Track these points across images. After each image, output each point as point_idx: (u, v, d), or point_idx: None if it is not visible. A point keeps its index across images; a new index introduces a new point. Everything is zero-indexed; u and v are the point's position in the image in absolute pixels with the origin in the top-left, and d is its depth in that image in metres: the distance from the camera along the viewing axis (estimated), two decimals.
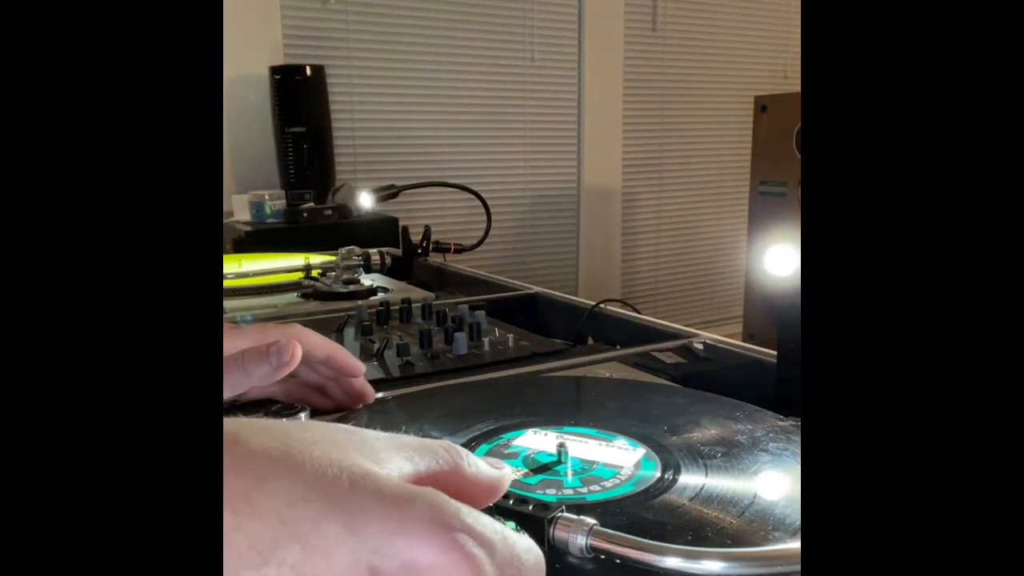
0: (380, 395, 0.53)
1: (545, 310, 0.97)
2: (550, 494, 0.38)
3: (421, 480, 0.26)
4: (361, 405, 0.51)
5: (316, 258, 1.15)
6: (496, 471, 0.29)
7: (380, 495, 0.22)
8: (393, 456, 0.25)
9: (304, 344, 0.47)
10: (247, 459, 0.22)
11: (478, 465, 0.28)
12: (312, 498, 0.21)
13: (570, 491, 0.38)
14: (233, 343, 0.45)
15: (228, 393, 0.45)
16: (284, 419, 0.45)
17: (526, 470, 0.41)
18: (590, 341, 0.86)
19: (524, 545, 0.24)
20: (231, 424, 0.23)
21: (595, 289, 3.03)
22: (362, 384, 0.51)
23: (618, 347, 0.74)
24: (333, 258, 1.13)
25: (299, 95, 2.17)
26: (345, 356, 0.49)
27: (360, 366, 0.50)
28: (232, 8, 2.16)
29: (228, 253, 1.43)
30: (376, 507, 0.22)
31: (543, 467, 0.41)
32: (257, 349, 0.45)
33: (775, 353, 0.57)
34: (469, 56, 2.71)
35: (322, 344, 0.49)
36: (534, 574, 0.24)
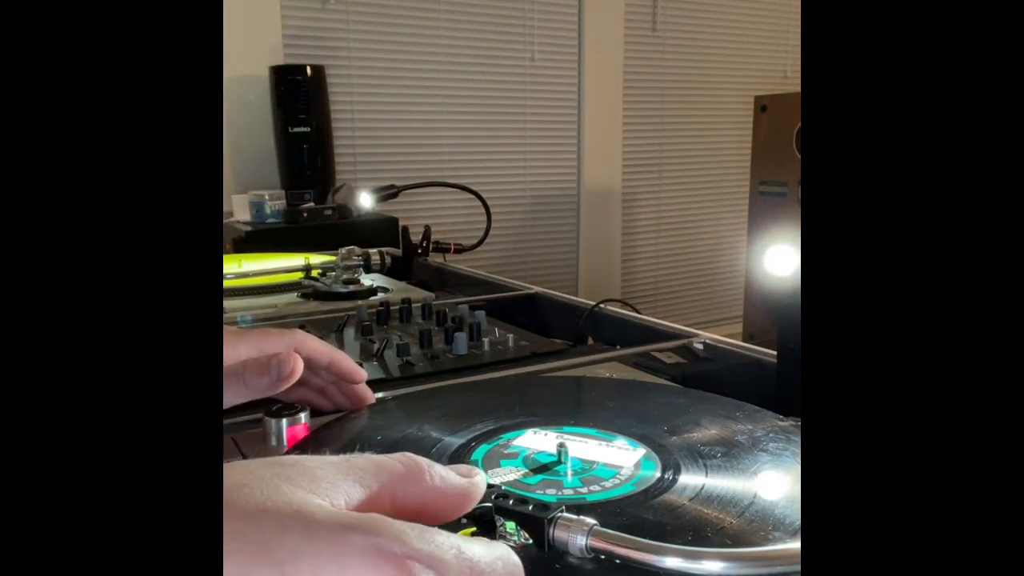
0: (380, 395, 0.53)
1: (545, 310, 0.97)
2: (550, 494, 0.38)
3: (374, 500, 0.25)
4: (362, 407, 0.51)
5: (316, 258, 1.15)
6: (464, 480, 0.28)
7: (311, 535, 0.21)
8: (339, 482, 0.24)
9: (306, 350, 0.47)
10: None
11: (444, 475, 0.27)
12: (237, 552, 0.21)
13: (570, 491, 0.38)
14: (233, 349, 0.45)
15: (226, 404, 0.45)
16: (283, 420, 0.45)
17: (526, 470, 0.41)
18: (590, 341, 0.86)
19: (492, 554, 0.24)
20: None
21: (595, 289, 3.03)
22: (363, 389, 0.51)
23: (618, 347, 0.74)
24: (333, 258, 1.13)
25: (299, 95, 2.17)
26: (346, 362, 0.49)
27: (361, 372, 0.50)
28: (232, 8, 2.16)
29: (228, 253, 1.43)
30: (308, 549, 0.21)
31: (543, 467, 0.41)
32: (258, 361, 0.45)
33: (775, 353, 0.57)
34: (469, 56, 2.71)
35: (324, 350, 0.49)
36: None
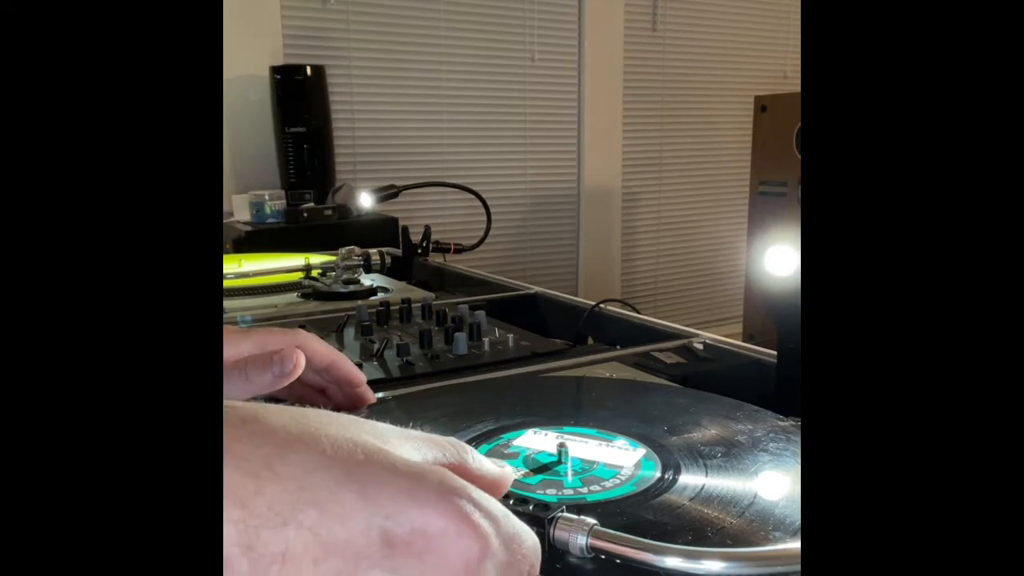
0: (380, 395, 0.53)
1: (545, 310, 0.97)
2: (550, 494, 0.38)
3: None
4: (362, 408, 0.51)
5: (316, 258, 1.14)
6: (499, 469, 0.30)
7: (393, 468, 0.24)
8: (402, 443, 0.26)
9: (307, 351, 0.47)
10: (267, 433, 0.23)
11: (482, 461, 0.29)
12: (329, 468, 0.23)
13: (570, 491, 0.38)
14: (236, 347, 0.45)
15: (229, 399, 0.45)
16: None
17: (526, 470, 0.41)
18: (590, 341, 0.86)
19: (523, 527, 0.26)
20: (250, 406, 0.25)
21: (595, 289, 3.03)
22: (364, 390, 0.51)
23: (618, 347, 0.74)
24: (333, 258, 1.13)
25: (299, 95, 2.17)
26: (346, 366, 0.49)
27: (361, 376, 0.50)
28: (232, 8, 2.16)
29: (228, 253, 1.43)
30: (389, 478, 0.23)
31: (543, 467, 0.41)
32: (260, 357, 0.45)
33: (775, 353, 0.57)
34: (469, 56, 2.71)
35: (325, 352, 0.49)
36: (532, 553, 0.26)
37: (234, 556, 0.21)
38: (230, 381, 0.44)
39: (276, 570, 0.21)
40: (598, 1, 2.92)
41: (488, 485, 0.28)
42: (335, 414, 0.26)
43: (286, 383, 0.45)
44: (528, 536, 0.26)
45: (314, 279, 1.05)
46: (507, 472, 0.30)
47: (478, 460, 0.29)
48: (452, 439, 0.29)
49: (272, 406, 0.25)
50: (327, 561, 0.22)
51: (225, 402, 0.24)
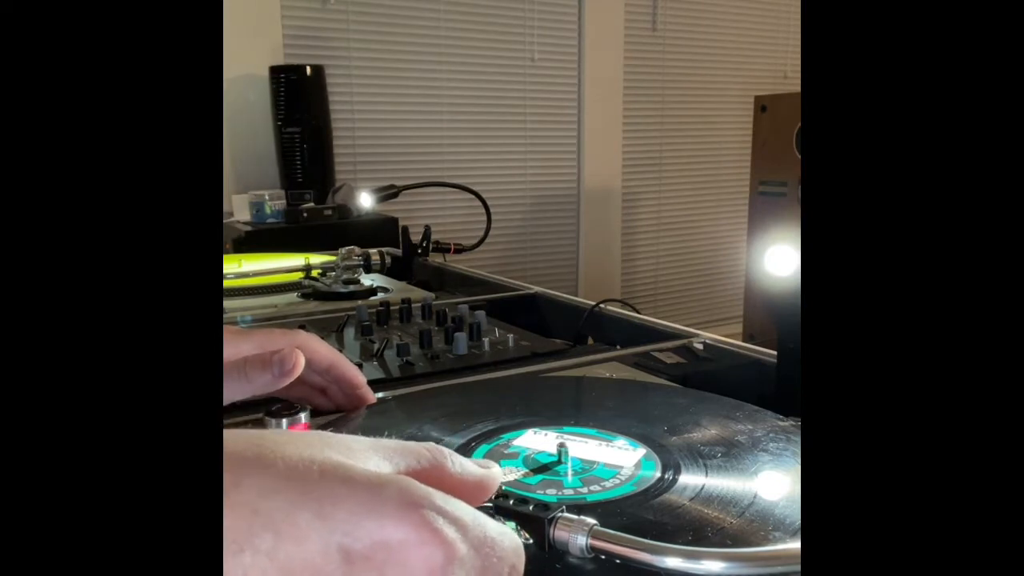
0: (380, 395, 0.53)
1: (545, 310, 0.97)
2: (550, 494, 0.38)
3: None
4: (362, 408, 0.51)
5: (316, 258, 1.14)
6: (483, 469, 0.29)
7: (350, 482, 0.23)
8: (370, 456, 0.26)
9: (307, 351, 0.47)
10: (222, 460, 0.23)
11: (464, 464, 0.29)
12: (283, 489, 0.23)
13: (570, 491, 0.38)
14: (236, 348, 0.45)
15: (229, 399, 0.45)
16: (283, 420, 0.45)
17: (526, 470, 0.41)
18: (590, 341, 0.86)
19: (498, 529, 0.25)
20: None
21: (595, 289, 3.03)
22: (364, 390, 0.51)
23: (618, 347, 0.74)
24: (333, 258, 1.13)
25: (299, 95, 2.17)
26: (347, 367, 0.49)
27: (361, 377, 0.50)
28: (232, 8, 2.16)
29: (228, 253, 1.43)
30: (346, 493, 0.23)
31: (543, 467, 0.41)
32: (260, 356, 0.45)
33: (775, 353, 0.57)
34: (469, 56, 2.71)
35: (325, 352, 0.49)
36: (511, 555, 0.25)
37: None
38: (230, 381, 0.44)
39: None
40: (598, 1, 2.92)
41: (471, 488, 0.28)
42: (297, 433, 0.26)
43: (286, 383, 0.45)
44: (505, 537, 0.25)
45: (314, 279, 1.05)
46: (493, 473, 0.30)
47: (459, 464, 0.28)
48: (430, 444, 0.28)
49: (229, 432, 0.25)
50: None
51: None
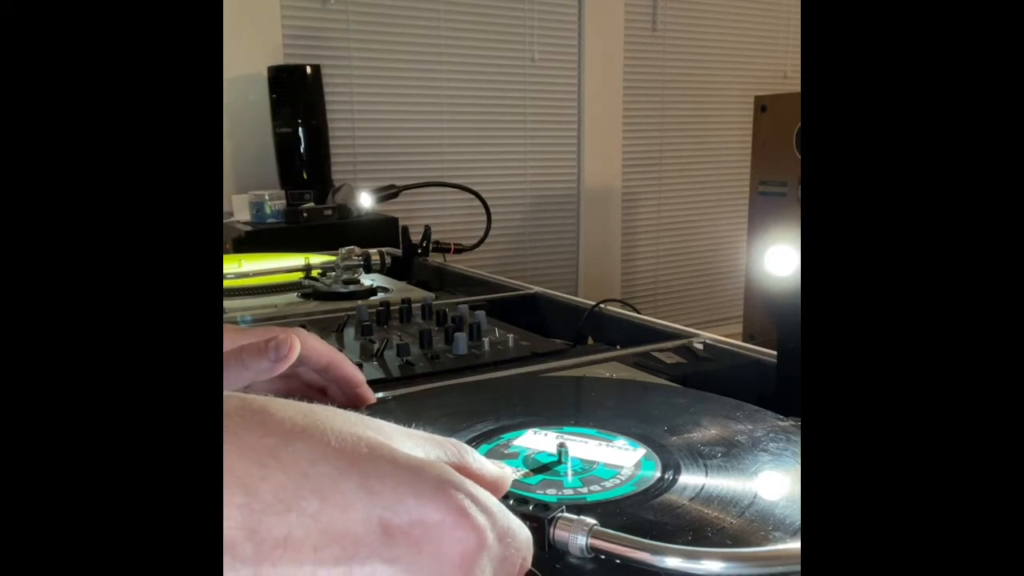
0: (380, 395, 0.53)
1: (545, 310, 0.97)
2: (550, 494, 0.38)
3: None
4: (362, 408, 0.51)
5: (316, 258, 1.15)
6: (499, 470, 0.30)
7: (395, 461, 0.25)
8: (405, 440, 0.27)
9: (306, 349, 0.47)
10: (274, 423, 0.24)
11: (482, 462, 0.29)
12: (332, 459, 0.24)
13: (570, 491, 0.38)
14: (235, 344, 0.45)
15: (227, 387, 0.45)
16: None
17: (526, 470, 0.41)
18: (590, 341, 0.86)
19: (517, 522, 0.27)
20: (260, 399, 0.25)
21: (595, 289, 3.03)
22: (364, 390, 0.51)
23: (618, 347, 0.74)
24: (333, 258, 1.13)
25: (299, 95, 2.17)
26: (345, 366, 0.49)
27: (360, 376, 0.50)
28: (232, 8, 2.16)
29: (228, 253, 1.43)
30: (391, 470, 0.24)
31: (543, 467, 0.41)
32: (256, 344, 0.45)
33: (775, 353, 0.57)
34: (469, 56, 2.71)
35: (324, 351, 0.49)
36: (525, 548, 0.26)
37: (238, 539, 0.21)
38: (228, 370, 0.44)
39: (278, 554, 0.22)
40: (598, 1, 2.92)
41: (488, 485, 0.29)
42: (341, 410, 0.27)
43: (283, 368, 0.45)
44: (521, 531, 0.26)
45: (314, 279, 1.05)
46: (506, 473, 0.31)
47: (478, 461, 0.29)
48: (453, 440, 0.29)
49: (280, 400, 0.25)
50: (327, 548, 0.22)
51: (236, 394, 0.25)
